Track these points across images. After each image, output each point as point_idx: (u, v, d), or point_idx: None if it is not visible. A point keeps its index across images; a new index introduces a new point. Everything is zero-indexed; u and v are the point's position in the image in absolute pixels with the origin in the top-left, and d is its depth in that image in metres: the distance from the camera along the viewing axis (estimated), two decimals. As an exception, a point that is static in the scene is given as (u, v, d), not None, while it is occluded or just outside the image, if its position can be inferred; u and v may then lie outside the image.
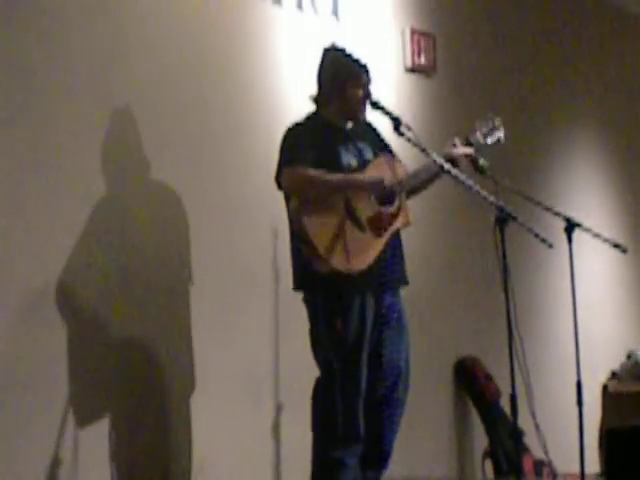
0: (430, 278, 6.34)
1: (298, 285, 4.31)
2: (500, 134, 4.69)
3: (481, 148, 4.59)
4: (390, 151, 4.52)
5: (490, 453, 6.43)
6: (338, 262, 4.12)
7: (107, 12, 4.71)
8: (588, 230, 4.46)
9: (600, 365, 7.63)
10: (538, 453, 5.65)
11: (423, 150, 4.17)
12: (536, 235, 3.99)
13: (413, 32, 6.43)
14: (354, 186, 4.25)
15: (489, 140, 4.65)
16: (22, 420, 4.15)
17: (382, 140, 4.54)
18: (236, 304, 5.07)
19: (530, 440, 5.26)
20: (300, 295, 4.31)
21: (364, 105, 4.40)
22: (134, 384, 4.62)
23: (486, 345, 6.56)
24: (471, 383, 6.55)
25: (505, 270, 3.91)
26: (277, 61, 5.52)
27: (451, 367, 6.55)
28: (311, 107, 4.46)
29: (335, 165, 4.26)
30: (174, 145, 4.91)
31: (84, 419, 4.42)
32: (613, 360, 7.91)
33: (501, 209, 3.95)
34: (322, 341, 4.22)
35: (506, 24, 7.43)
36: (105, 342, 4.54)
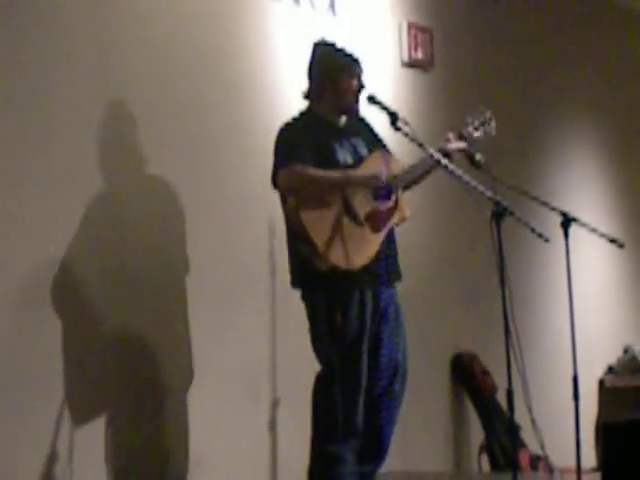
0: (427, 273, 6.34)
1: (297, 283, 4.31)
2: (491, 127, 4.69)
3: (474, 142, 4.59)
4: (384, 146, 4.52)
5: (487, 448, 6.44)
6: (338, 259, 4.12)
7: (104, 8, 4.70)
8: (585, 225, 4.46)
9: (597, 360, 7.65)
10: (534, 448, 5.64)
11: (420, 145, 4.17)
12: (532, 229, 3.98)
13: (410, 26, 6.43)
14: (352, 182, 4.25)
15: (481, 133, 4.65)
16: (18, 417, 4.15)
17: (376, 135, 4.54)
18: (233, 301, 5.07)
19: (526, 435, 5.27)
20: (297, 292, 4.31)
21: (359, 97, 4.40)
22: (130, 380, 4.62)
23: (483, 340, 6.56)
24: (468, 378, 6.56)
25: (502, 265, 3.91)
26: (274, 56, 5.52)
27: (448, 362, 6.56)
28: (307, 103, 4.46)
29: (331, 162, 4.26)
30: (171, 141, 4.90)
31: (80, 416, 4.41)
32: (609, 355, 7.93)
33: (497, 203, 3.95)
34: (323, 338, 4.22)
35: (503, 19, 7.43)
36: (101, 338, 4.54)
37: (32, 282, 4.29)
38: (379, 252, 4.29)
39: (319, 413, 4.25)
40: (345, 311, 4.18)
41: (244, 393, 5.07)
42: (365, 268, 4.21)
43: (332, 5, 5.90)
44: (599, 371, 7.81)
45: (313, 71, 4.45)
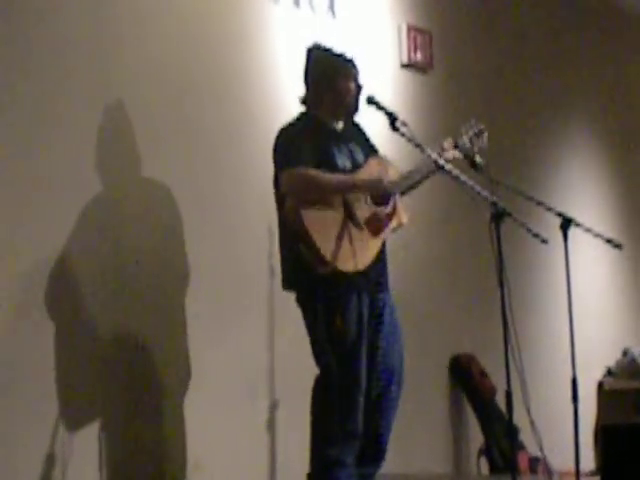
0: (426, 275, 6.35)
1: (293, 285, 4.30)
2: (484, 139, 4.67)
3: (467, 153, 4.58)
4: (376, 152, 4.51)
5: (485, 450, 6.44)
6: (341, 262, 4.12)
7: (103, 10, 4.70)
8: (584, 227, 4.46)
9: (595, 362, 7.63)
10: (533, 450, 5.65)
11: (419, 146, 4.17)
12: (530, 231, 3.98)
13: (409, 28, 6.43)
14: (356, 187, 4.25)
15: (475, 145, 4.62)
16: (14, 419, 4.14)
17: (369, 141, 4.54)
18: (232, 302, 5.07)
19: (525, 437, 5.26)
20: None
21: (358, 98, 4.40)
22: (128, 383, 4.61)
23: (481, 342, 6.56)
24: (466, 380, 6.55)
25: (501, 267, 3.91)
26: (274, 58, 5.52)
27: (446, 364, 6.55)
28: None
29: (330, 166, 4.25)
30: (169, 143, 4.90)
31: (78, 419, 4.41)
32: (608, 357, 7.91)
33: (496, 205, 3.95)
34: (322, 342, 4.21)
35: (502, 21, 7.43)
36: (99, 341, 4.53)
37: (29, 285, 4.28)
38: (378, 256, 4.30)
39: (319, 416, 4.24)
40: (344, 315, 4.17)
41: (242, 395, 5.07)
42: (361, 272, 4.21)
43: (331, 7, 5.90)
44: (598, 373, 7.79)
45: (309, 76, 4.44)
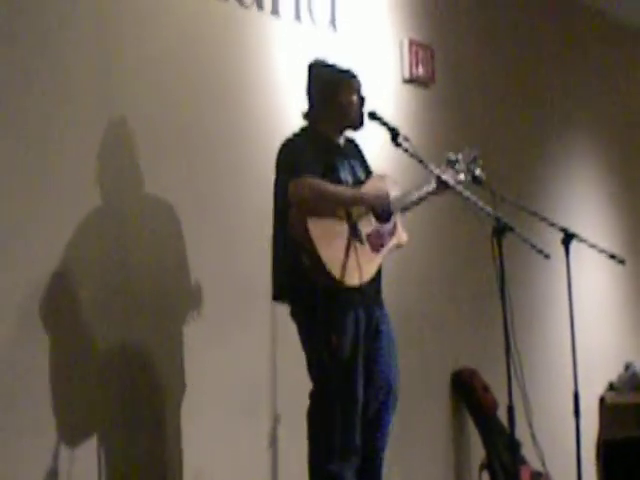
0: (428, 289, 6.34)
1: (287, 298, 4.29)
2: (479, 165, 4.65)
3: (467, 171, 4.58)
4: (371, 173, 4.51)
5: (487, 465, 6.42)
6: (346, 275, 4.11)
7: (104, 24, 4.70)
8: (586, 242, 4.47)
9: (597, 376, 7.64)
10: (535, 465, 5.63)
11: (421, 161, 4.18)
12: (533, 246, 3.99)
13: (411, 43, 6.44)
14: (361, 200, 4.26)
15: (474, 172, 4.61)
16: (14, 431, 4.14)
17: (366, 162, 4.54)
18: (233, 316, 5.06)
19: (527, 452, 5.26)
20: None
21: (362, 111, 4.40)
22: (129, 397, 4.60)
23: (483, 356, 6.55)
24: (468, 394, 6.54)
25: (502, 281, 3.91)
26: (275, 72, 5.52)
27: (448, 378, 6.54)
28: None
29: (334, 180, 4.25)
30: (171, 157, 4.90)
31: (78, 433, 4.40)
32: (610, 371, 7.92)
33: (498, 220, 3.96)
34: (318, 357, 4.20)
35: (504, 37, 7.44)
36: (102, 354, 4.52)
37: (32, 298, 4.28)
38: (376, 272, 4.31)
39: (317, 433, 4.23)
40: (340, 332, 4.16)
41: (244, 409, 5.06)
42: (359, 289, 4.20)
43: (333, 21, 5.91)
44: (600, 388, 7.79)
45: (311, 90, 4.45)
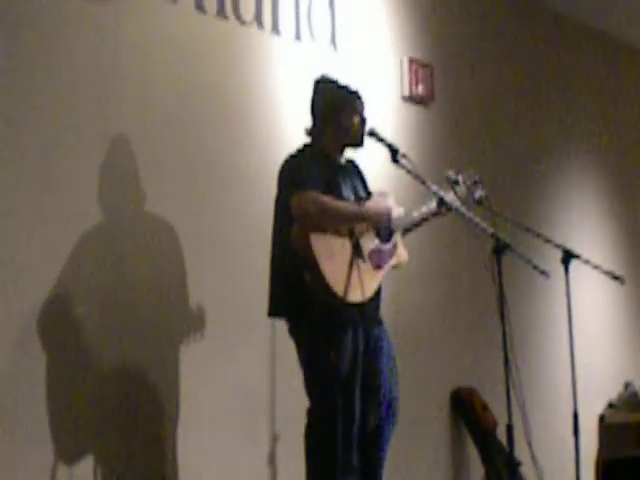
0: (427, 308, 6.34)
1: (285, 314, 4.29)
2: (482, 189, 4.64)
3: (466, 200, 4.58)
4: (370, 195, 4.52)
5: (487, 483, 6.41)
6: (349, 292, 4.11)
7: (104, 42, 4.72)
8: (585, 261, 4.47)
9: (597, 395, 7.63)
10: (535, 484, 5.62)
11: (420, 180, 4.18)
12: (533, 265, 3.99)
13: (411, 62, 6.46)
14: (365, 217, 4.26)
15: (474, 194, 4.60)
16: (13, 447, 4.13)
17: (366, 183, 4.55)
18: (232, 334, 5.05)
19: (527, 471, 5.24)
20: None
21: (363, 132, 4.41)
22: (127, 414, 4.59)
23: (483, 375, 6.55)
24: (468, 413, 6.53)
25: (502, 300, 3.91)
26: (275, 91, 5.54)
27: (448, 397, 6.53)
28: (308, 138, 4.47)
29: (336, 197, 4.25)
30: (172, 176, 4.90)
31: (76, 447, 4.39)
32: (610, 390, 7.91)
33: (498, 239, 3.96)
34: (318, 372, 4.20)
35: (504, 55, 7.46)
36: (100, 374, 4.52)
37: (30, 318, 4.28)
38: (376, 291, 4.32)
39: (316, 451, 4.21)
40: (338, 350, 4.15)
41: (243, 428, 5.05)
42: (358, 307, 4.20)
43: (333, 40, 5.93)
44: (599, 407, 7.78)
45: (315, 108, 4.46)
